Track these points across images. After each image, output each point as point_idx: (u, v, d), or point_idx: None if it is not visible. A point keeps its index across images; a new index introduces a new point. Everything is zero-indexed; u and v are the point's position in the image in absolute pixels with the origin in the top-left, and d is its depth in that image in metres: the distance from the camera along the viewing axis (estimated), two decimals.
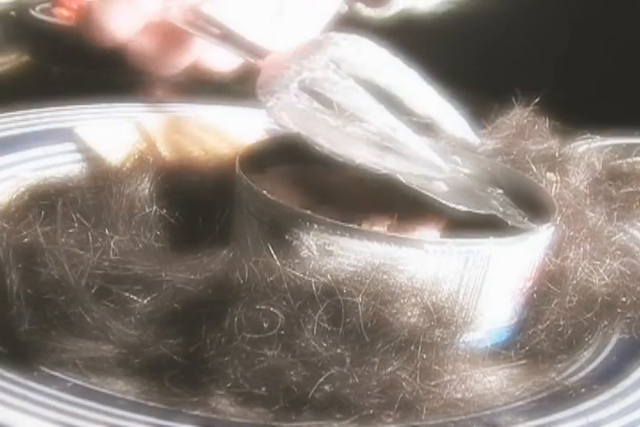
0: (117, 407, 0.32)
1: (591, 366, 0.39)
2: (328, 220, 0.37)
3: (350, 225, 0.37)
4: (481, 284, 0.38)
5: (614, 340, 0.42)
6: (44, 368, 0.34)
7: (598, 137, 0.56)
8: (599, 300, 0.40)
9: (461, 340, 0.35)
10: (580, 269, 0.41)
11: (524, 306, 0.40)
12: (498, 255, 0.38)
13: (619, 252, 0.43)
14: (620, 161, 0.56)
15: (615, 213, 0.48)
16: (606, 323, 0.41)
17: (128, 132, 0.54)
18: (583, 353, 0.41)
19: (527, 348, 0.40)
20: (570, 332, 0.40)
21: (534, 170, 0.48)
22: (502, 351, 0.39)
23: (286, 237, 0.37)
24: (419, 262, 0.36)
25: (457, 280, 0.37)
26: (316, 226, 0.36)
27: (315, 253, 0.36)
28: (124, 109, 0.59)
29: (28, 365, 0.34)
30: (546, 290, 0.40)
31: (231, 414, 0.33)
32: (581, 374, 0.39)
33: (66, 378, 0.34)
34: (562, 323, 0.40)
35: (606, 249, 0.43)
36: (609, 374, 0.38)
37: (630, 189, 0.52)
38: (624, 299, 0.41)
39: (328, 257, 0.36)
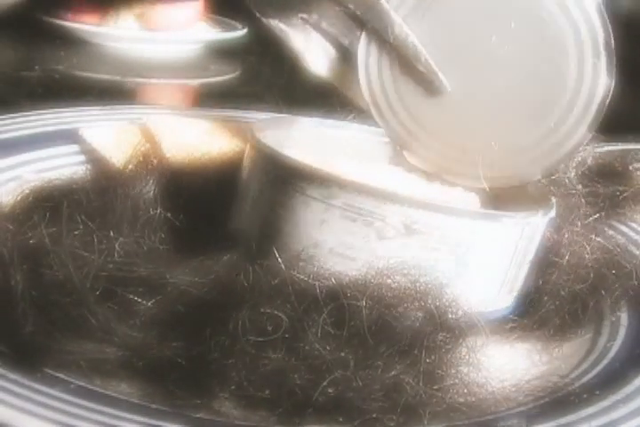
0: (120, 409, 0.32)
1: (594, 372, 0.39)
2: (411, 197, 0.37)
3: (434, 202, 0.38)
4: (525, 253, 0.41)
5: (617, 345, 0.42)
6: (47, 370, 0.34)
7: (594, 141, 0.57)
8: (591, 273, 0.43)
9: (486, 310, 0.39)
10: (573, 243, 0.44)
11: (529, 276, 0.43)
12: (539, 227, 0.41)
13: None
14: (612, 160, 0.57)
15: (601, 211, 0.50)
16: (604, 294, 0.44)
17: (132, 134, 0.54)
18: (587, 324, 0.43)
19: (537, 317, 0.42)
20: (572, 302, 0.42)
21: None
22: (517, 320, 0.42)
23: (368, 218, 0.37)
24: (494, 234, 0.39)
25: (511, 250, 0.40)
26: (399, 205, 0.37)
27: (402, 231, 0.37)
28: (128, 111, 0.59)
29: (31, 366, 0.34)
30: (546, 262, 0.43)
31: (234, 417, 0.33)
32: (584, 379, 0.39)
33: (69, 380, 0.34)
34: (562, 293, 0.42)
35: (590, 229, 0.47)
36: (611, 380, 0.38)
37: (618, 188, 0.54)
38: (614, 271, 0.44)
39: (412, 236, 0.37)
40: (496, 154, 0.44)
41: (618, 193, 0.54)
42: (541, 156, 0.44)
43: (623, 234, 0.51)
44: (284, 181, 0.39)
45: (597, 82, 0.42)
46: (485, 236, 0.39)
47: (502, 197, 0.44)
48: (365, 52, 0.46)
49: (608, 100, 0.42)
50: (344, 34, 0.48)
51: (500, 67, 0.43)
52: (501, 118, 0.44)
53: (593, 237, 0.45)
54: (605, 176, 0.55)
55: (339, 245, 0.36)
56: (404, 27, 0.44)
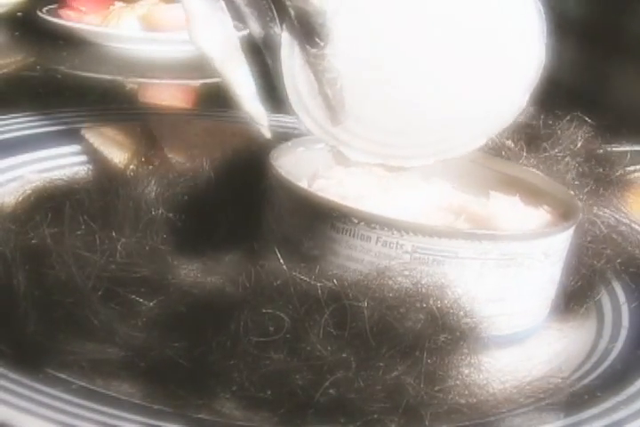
0: (122, 410, 0.32)
1: (595, 374, 0.39)
2: (547, 230, 0.41)
3: (558, 227, 0.42)
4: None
5: (618, 347, 0.42)
6: (49, 370, 0.34)
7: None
8: (607, 248, 0.46)
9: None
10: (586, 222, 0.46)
11: None
12: None
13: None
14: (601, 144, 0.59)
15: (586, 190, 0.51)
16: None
17: (133, 134, 0.54)
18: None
19: (566, 297, 0.44)
20: (592, 277, 0.45)
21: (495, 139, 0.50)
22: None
23: (519, 259, 0.39)
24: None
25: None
26: (540, 239, 0.40)
27: (543, 260, 0.40)
28: (129, 111, 0.59)
29: (33, 366, 0.34)
30: None
31: (236, 418, 0.33)
32: (585, 381, 0.39)
33: (71, 380, 0.34)
34: (583, 271, 0.45)
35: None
36: (613, 382, 0.38)
37: (602, 171, 0.55)
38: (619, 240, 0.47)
39: (547, 259, 0.40)
40: (439, 129, 0.45)
41: (603, 176, 0.55)
42: (484, 123, 0.45)
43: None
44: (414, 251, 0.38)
45: (530, 47, 0.44)
46: (570, 237, 0.43)
47: (538, 198, 0.45)
48: (289, 51, 0.43)
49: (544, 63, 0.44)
50: (257, 19, 0.43)
51: (432, 44, 0.44)
52: (440, 93, 0.44)
53: (599, 213, 0.48)
54: (593, 158, 0.56)
55: (493, 292, 0.39)
56: (336, 48, 0.42)
